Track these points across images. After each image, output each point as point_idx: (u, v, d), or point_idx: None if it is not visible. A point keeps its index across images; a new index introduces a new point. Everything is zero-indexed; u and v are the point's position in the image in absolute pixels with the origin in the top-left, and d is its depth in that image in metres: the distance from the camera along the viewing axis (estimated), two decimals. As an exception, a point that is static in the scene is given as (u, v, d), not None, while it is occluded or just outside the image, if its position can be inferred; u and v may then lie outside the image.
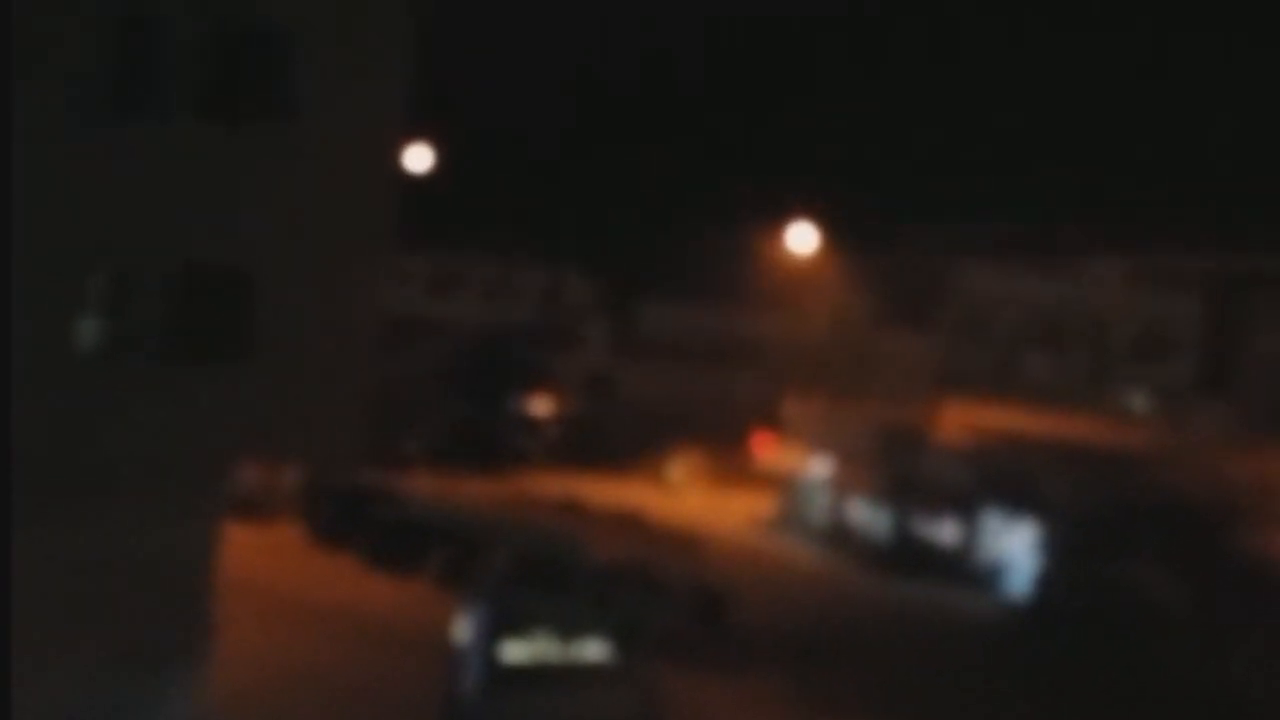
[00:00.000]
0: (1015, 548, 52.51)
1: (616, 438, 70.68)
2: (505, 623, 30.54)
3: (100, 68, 25.47)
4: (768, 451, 65.45)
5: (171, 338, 26.37)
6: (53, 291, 25.29)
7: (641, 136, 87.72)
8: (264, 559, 44.03)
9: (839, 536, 57.98)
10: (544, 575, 38.84)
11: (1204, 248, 69.35)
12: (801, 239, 69.67)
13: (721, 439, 69.55)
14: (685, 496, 65.37)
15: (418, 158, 57.71)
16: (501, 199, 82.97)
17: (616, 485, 63.74)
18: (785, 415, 65.10)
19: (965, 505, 54.24)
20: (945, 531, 54.86)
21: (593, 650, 30.66)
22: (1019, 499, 52.66)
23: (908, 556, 54.72)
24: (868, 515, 57.42)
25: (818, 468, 60.88)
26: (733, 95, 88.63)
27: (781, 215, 70.01)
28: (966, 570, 53.43)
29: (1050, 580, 50.64)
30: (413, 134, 53.32)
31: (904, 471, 56.28)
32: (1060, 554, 50.93)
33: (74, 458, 25.77)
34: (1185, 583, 48.17)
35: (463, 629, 32.02)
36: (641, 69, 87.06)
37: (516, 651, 30.20)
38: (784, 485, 62.67)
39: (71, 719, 26.45)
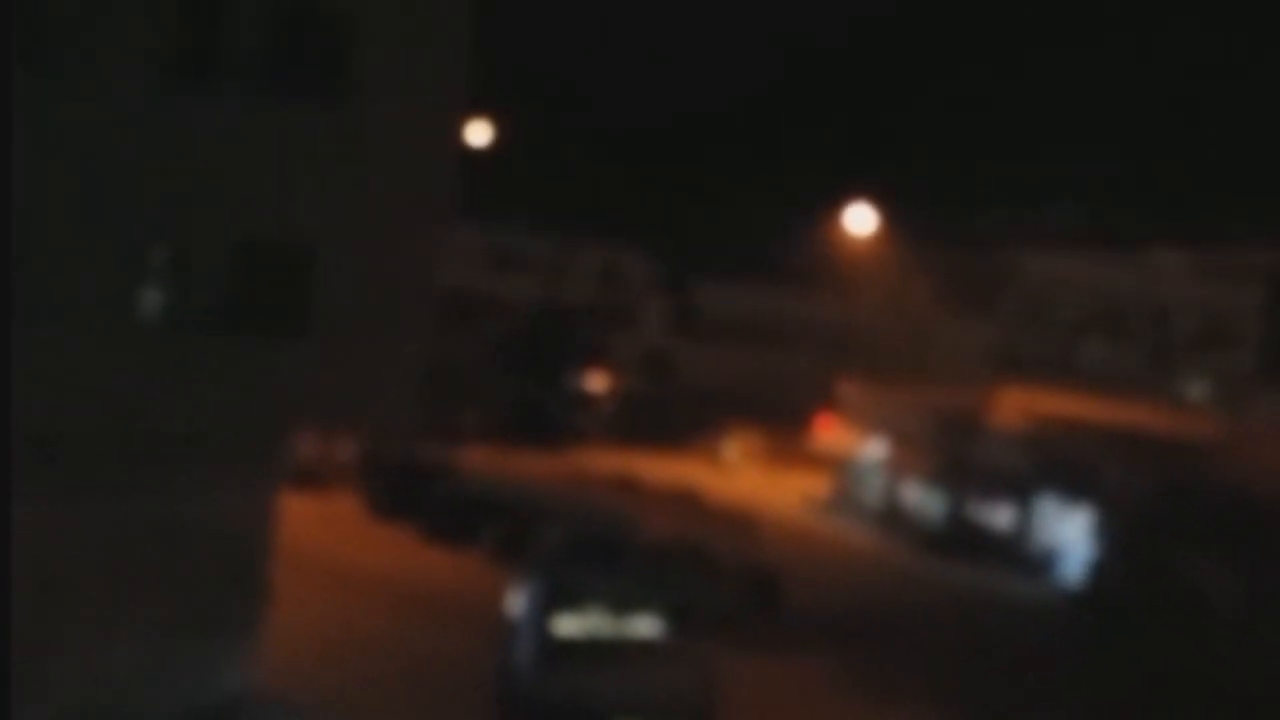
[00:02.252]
0: (1070, 534, 52.36)
1: (673, 416, 70.76)
2: (559, 597, 30.61)
3: (164, 43, 25.60)
4: (830, 433, 65.43)
5: (232, 310, 26.52)
6: (114, 262, 25.46)
7: (702, 116, 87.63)
8: (321, 529, 44.30)
9: (893, 519, 57.93)
10: (598, 551, 38.97)
11: (1267, 240, 68.94)
12: (860, 220, 69.53)
13: (777, 419, 69.57)
14: (740, 476, 65.40)
15: (477, 133, 57.90)
16: (561, 176, 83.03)
17: (672, 463, 63.82)
18: (842, 397, 65.06)
19: (1021, 490, 54.10)
20: (1000, 516, 54.74)
21: (645, 626, 30.72)
22: (1075, 485, 52.48)
23: (962, 540, 54.65)
24: (922, 498, 57.35)
25: (873, 450, 60.81)
26: (794, 75, 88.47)
27: (841, 196, 69.90)
28: (1021, 555, 53.31)
29: (1105, 568, 50.48)
30: (473, 109, 53.47)
31: (960, 455, 56.17)
32: (1116, 542, 50.76)
33: (135, 427, 25.96)
34: (1240, 576, 47.96)
35: (516, 602, 32.14)
36: (703, 47, 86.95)
37: (569, 626, 30.27)
38: (839, 467, 62.63)
39: (128, 686, 26.68)
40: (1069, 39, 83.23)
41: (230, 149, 26.34)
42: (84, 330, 24.96)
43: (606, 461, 61.78)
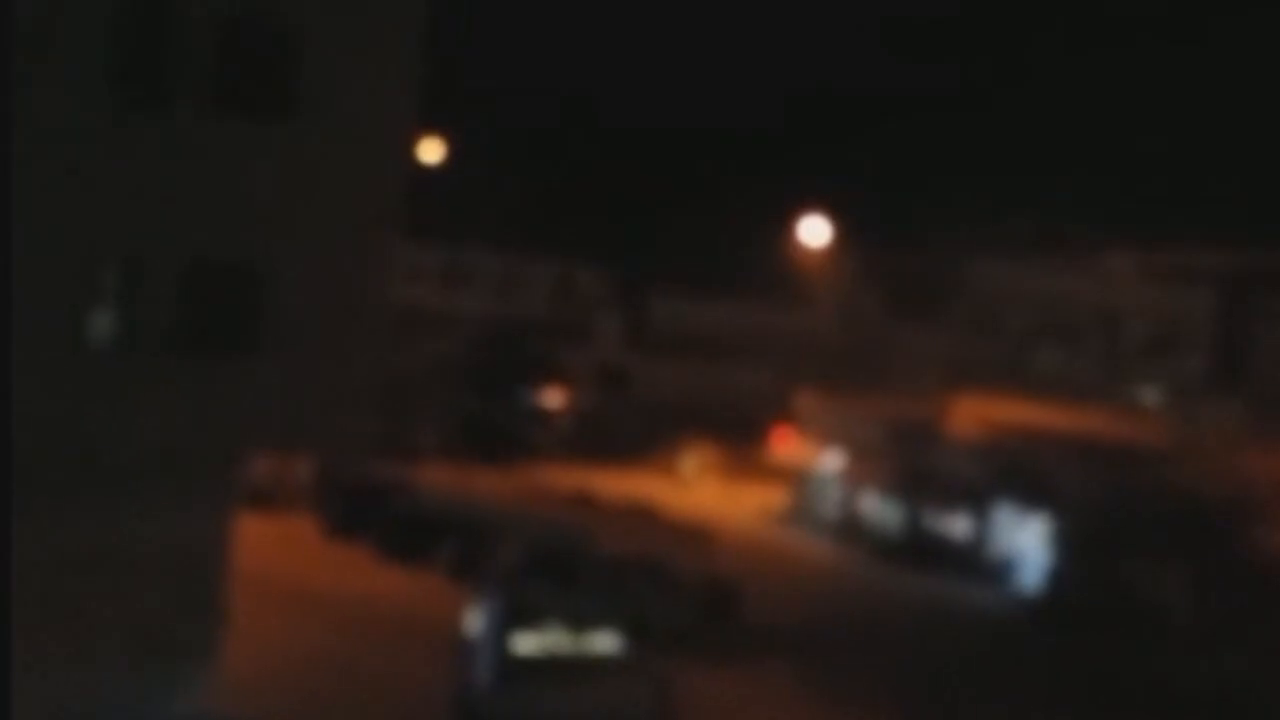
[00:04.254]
0: (1027, 542, 52.46)
1: (628, 431, 70.69)
2: (516, 614, 30.57)
3: (111, 61, 25.49)
4: (786, 446, 65.44)
5: (183, 330, 26.42)
6: (64, 283, 25.32)
7: (654, 130, 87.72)
8: (276, 550, 44.07)
9: (851, 530, 57.96)
10: (555, 567, 38.94)
11: (1217, 243, 69.24)
12: (814, 232, 69.71)
13: (733, 432, 69.55)
14: (697, 489, 65.37)
15: (429, 150, 57.83)
16: (513, 191, 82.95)
17: (628, 478, 63.74)
18: (797, 409, 65.10)
19: (977, 499, 54.19)
20: (957, 525, 54.82)
21: (603, 642, 30.69)
22: (1031, 493, 52.60)
23: (919, 550, 54.71)
24: (879, 509, 57.39)
25: (830, 461, 60.85)
26: (747, 89, 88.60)
27: (794, 208, 70.03)
28: (978, 564, 53.38)
29: (1062, 575, 50.60)
30: (424, 126, 53.38)
31: (916, 465, 56.25)
32: (1072, 549, 50.88)
33: (85, 450, 25.81)
34: (1195, 580, 48.13)
35: (474, 620, 32.05)
36: (653, 62, 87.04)
37: (527, 643, 30.23)
38: (796, 479, 62.65)
39: (83, 710, 26.50)
40: (1020, 49, 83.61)
41: (179, 168, 26.26)
42: (33, 352, 24.77)
43: (563, 477, 61.70)
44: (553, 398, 74.28)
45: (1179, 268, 71.81)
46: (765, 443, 68.53)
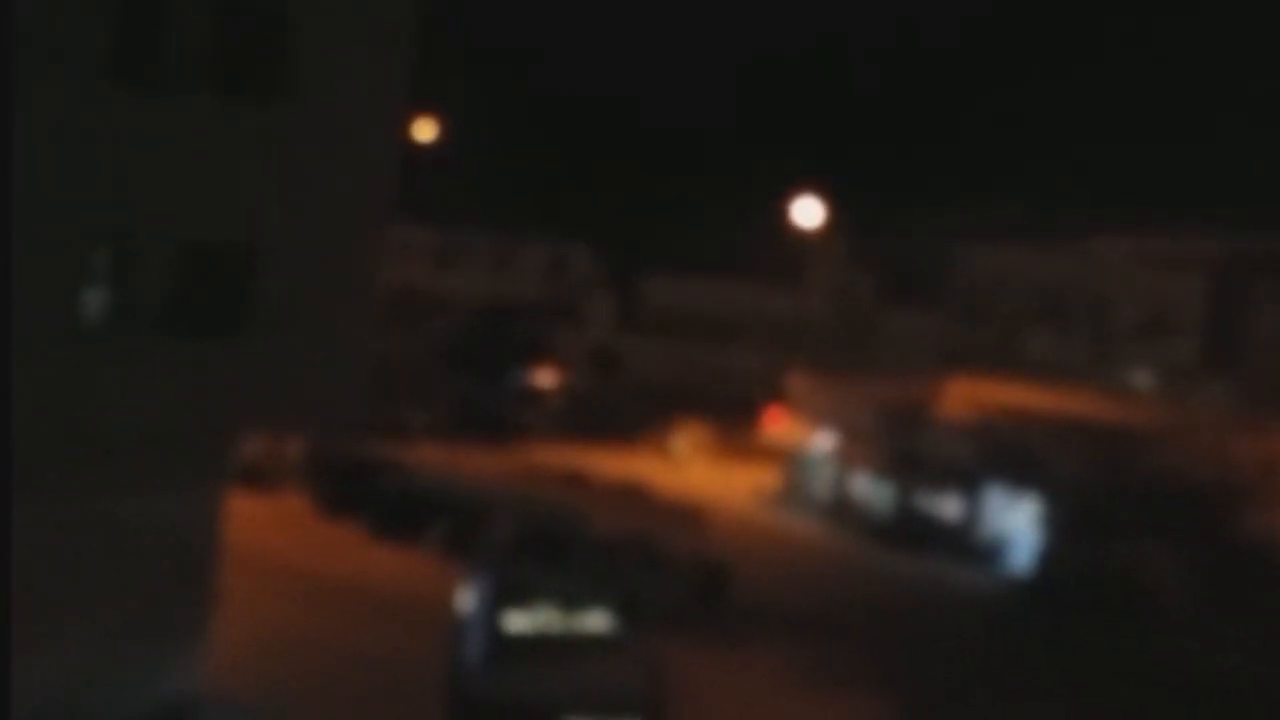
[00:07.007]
0: (1017, 523, 52.61)
1: (620, 411, 70.78)
2: (508, 593, 30.64)
3: (105, 41, 25.50)
4: (778, 427, 65.54)
5: (176, 310, 26.44)
6: (56, 263, 25.34)
7: (648, 110, 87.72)
8: (268, 529, 44.17)
9: (842, 511, 58.08)
10: (547, 547, 39.07)
11: (1208, 227, 69.37)
12: (807, 213, 69.77)
13: (725, 413, 69.65)
14: (689, 470, 65.47)
15: (422, 129, 57.85)
16: (506, 172, 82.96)
17: (620, 458, 63.83)
18: (789, 390, 65.21)
19: (968, 481, 54.31)
20: (947, 507, 54.95)
21: (595, 621, 30.76)
22: (1021, 475, 52.73)
23: (910, 531, 54.84)
24: (871, 490, 57.51)
25: (821, 442, 60.97)
26: (740, 70, 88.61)
27: (787, 190, 70.08)
28: (968, 545, 53.52)
29: (1051, 557, 50.75)
30: (418, 105, 53.42)
31: (907, 447, 56.36)
32: (1062, 531, 51.04)
33: (77, 430, 25.85)
34: (1185, 562, 48.29)
35: (465, 599, 32.14)
36: (647, 40, 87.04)
37: (519, 622, 30.30)
38: (787, 460, 62.77)
39: (74, 690, 26.57)
40: (1012, 35, 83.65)
41: (171, 149, 26.26)
42: (26, 332, 24.81)
43: (555, 457, 61.77)
44: (545, 378, 74.35)
45: (1169, 252, 71.96)
46: (757, 423, 68.65)
